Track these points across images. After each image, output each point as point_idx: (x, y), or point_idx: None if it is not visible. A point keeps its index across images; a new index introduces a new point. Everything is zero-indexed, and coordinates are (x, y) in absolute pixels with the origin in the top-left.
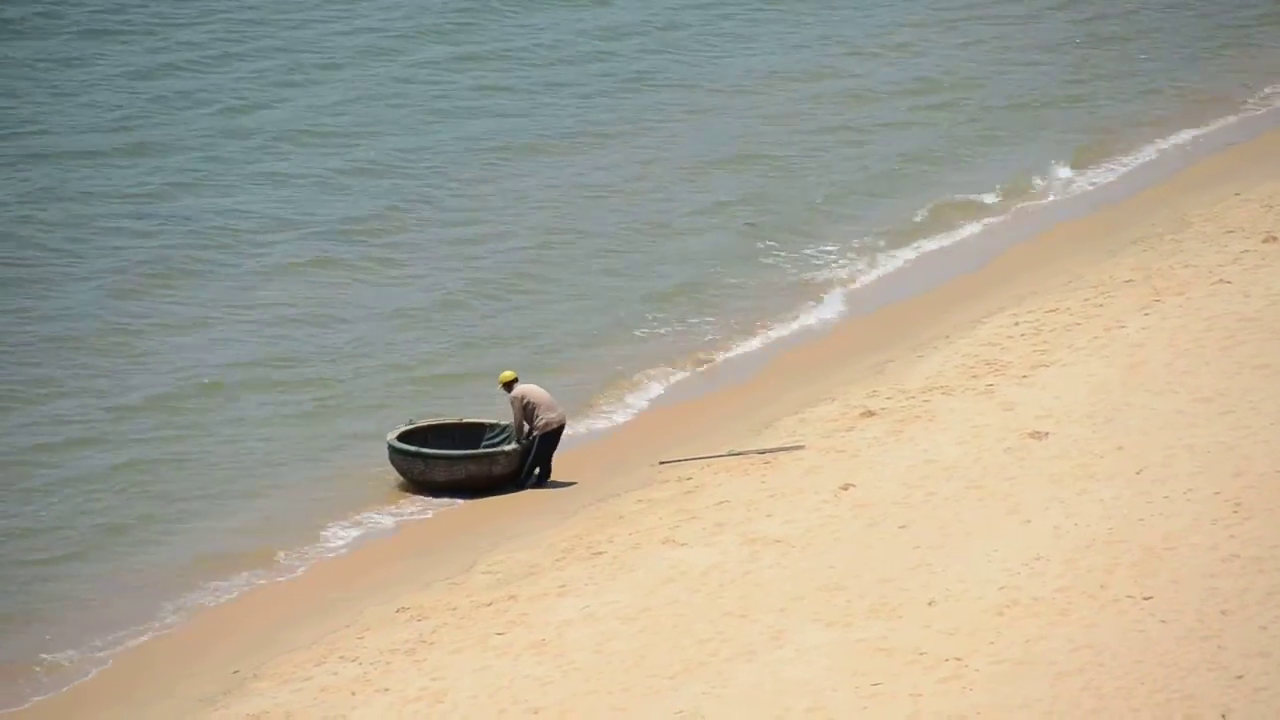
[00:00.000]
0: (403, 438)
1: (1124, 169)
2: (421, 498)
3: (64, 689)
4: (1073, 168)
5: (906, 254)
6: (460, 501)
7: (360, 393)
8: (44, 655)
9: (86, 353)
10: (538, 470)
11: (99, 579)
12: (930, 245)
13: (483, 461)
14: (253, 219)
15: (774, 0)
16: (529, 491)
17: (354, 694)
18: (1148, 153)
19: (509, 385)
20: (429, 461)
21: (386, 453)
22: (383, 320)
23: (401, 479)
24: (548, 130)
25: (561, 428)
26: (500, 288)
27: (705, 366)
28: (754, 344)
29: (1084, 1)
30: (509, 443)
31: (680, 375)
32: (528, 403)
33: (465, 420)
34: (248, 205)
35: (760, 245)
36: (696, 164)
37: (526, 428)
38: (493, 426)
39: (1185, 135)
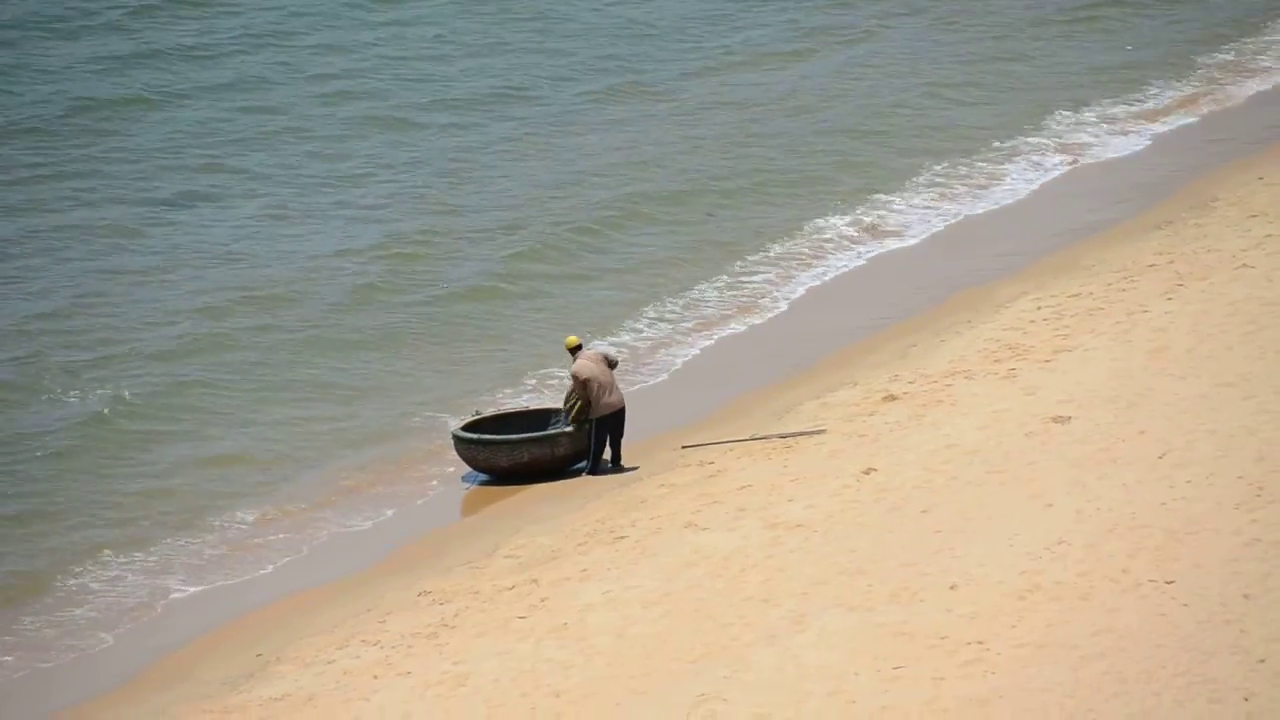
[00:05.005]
0: (468, 428)
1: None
2: (444, 483)
3: (86, 673)
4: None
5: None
6: (483, 486)
7: (392, 387)
8: (66, 639)
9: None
10: (607, 455)
11: (118, 561)
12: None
13: (544, 444)
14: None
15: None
16: (551, 476)
17: (376, 677)
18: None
19: (574, 350)
20: (490, 448)
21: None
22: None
23: (466, 467)
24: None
25: (621, 412)
26: (523, 271)
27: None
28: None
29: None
30: (572, 426)
31: (696, 355)
32: (588, 382)
33: (530, 408)
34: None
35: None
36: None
37: (581, 408)
38: (557, 411)
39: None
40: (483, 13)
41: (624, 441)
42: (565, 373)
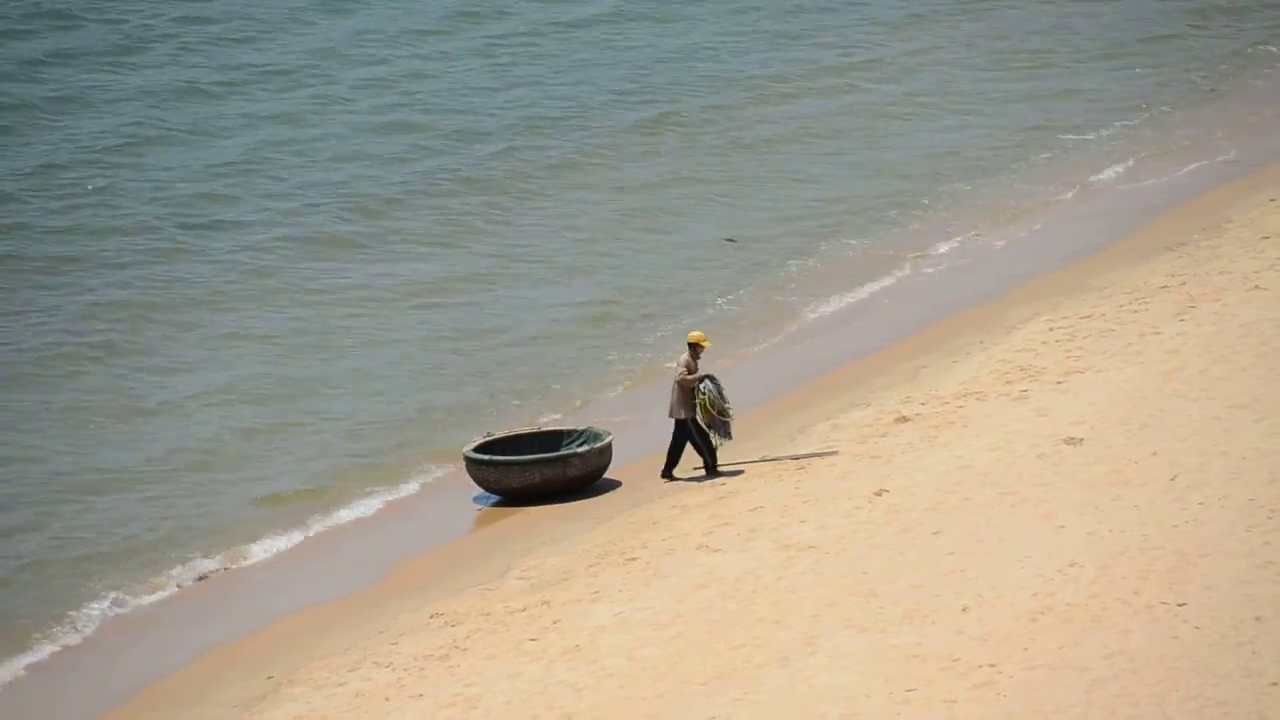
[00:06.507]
0: (480, 449)
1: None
2: (456, 504)
3: (97, 692)
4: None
5: (933, 266)
6: (495, 507)
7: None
8: (76, 657)
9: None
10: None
11: (127, 584)
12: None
13: (556, 465)
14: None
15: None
16: (563, 498)
17: (388, 700)
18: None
19: (691, 345)
20: (502, 469)
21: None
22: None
23: (478, 488)
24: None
25: (675, 421)
26: (542, 298)
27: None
28: (785, 349)
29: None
30: (584, 447)
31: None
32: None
33: (543, 429)
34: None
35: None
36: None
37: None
38: (570, 433)
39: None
40: (514, 46)
41: (641, 461)
42: (566, 390)
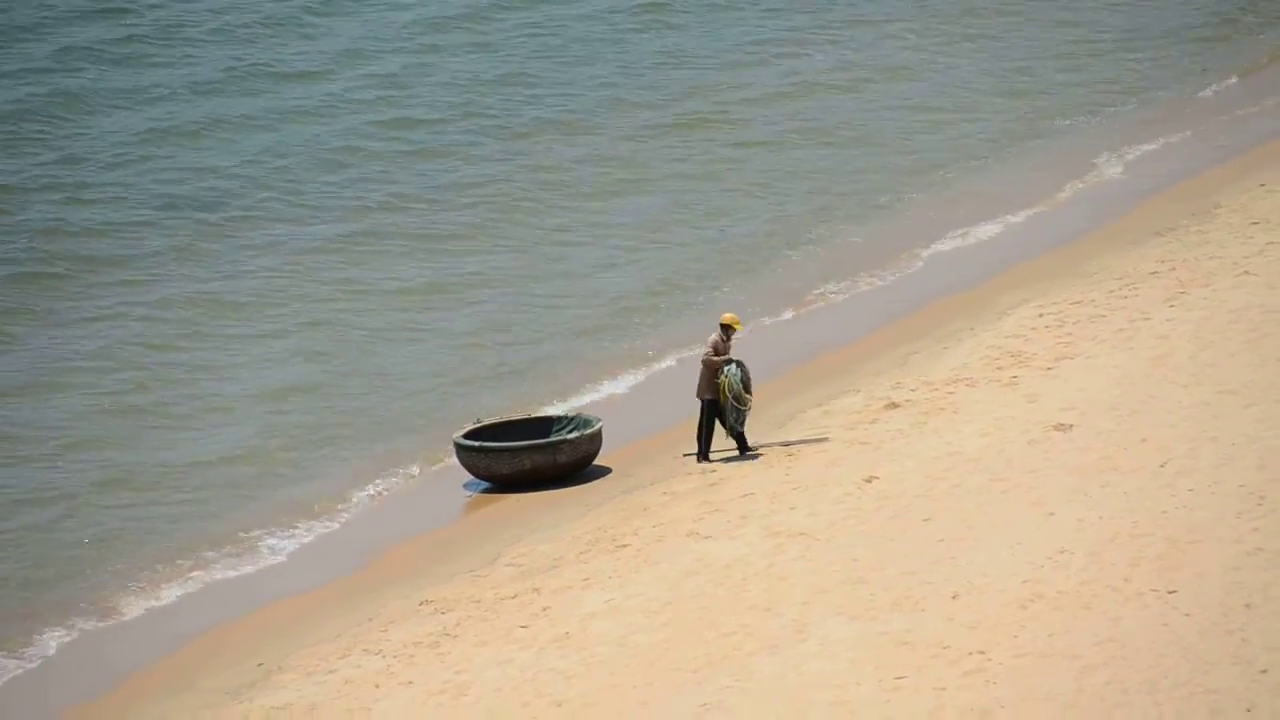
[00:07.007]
0: (470, 436)
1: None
2: (445, 491)
3: (88, 676)
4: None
5: (934, 251)
6: (485, 493)
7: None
8: (67, 643)
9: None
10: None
11: (118, 572)
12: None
13: (546, 451)
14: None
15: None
16: (554, 484)
17: (378, 687)
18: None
19: (723, 327)
20: (492, 455)
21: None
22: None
23: (468, 475)
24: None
25: (702, 403)
26: (544, 292)
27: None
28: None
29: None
30: (574, 434)
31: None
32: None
33: (533, 415)
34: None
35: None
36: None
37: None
38: (560, 419)
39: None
40: (529, 44)
41: (631, 447)
42: (565, 379)
